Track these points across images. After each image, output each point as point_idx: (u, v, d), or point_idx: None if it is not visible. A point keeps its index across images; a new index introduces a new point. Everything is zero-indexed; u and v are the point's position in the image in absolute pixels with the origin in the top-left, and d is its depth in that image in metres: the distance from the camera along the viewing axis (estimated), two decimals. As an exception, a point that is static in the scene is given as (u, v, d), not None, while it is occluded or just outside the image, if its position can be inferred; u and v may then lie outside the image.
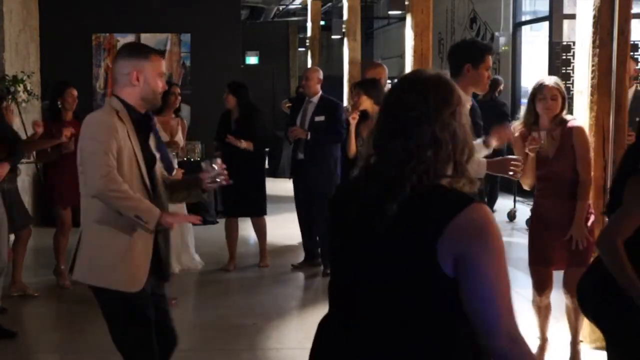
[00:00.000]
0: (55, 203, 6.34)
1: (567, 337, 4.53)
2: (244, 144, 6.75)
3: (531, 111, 4.34)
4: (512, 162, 3.97)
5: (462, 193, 1.83)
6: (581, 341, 4.56)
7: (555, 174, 4.28)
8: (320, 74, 7.04)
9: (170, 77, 10.45)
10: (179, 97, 6.89)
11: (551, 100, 4.26)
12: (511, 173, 3.97)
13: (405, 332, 1.82)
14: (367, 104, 6.05)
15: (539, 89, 4.30)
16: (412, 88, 1.88)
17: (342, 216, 1.97)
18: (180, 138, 6.92)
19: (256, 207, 7.05)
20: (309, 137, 6.72)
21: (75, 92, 6.44)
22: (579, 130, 4.31)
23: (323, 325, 2.03)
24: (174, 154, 6.99)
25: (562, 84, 4.38)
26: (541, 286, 4.42)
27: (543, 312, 4.50)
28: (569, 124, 4.29)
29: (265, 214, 7.11)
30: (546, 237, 4.34)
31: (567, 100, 4.37)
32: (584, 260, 4.28)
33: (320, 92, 6.94)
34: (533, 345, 4.56)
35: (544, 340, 4.54)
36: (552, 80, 4.35)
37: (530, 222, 4.55)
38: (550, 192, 4.33)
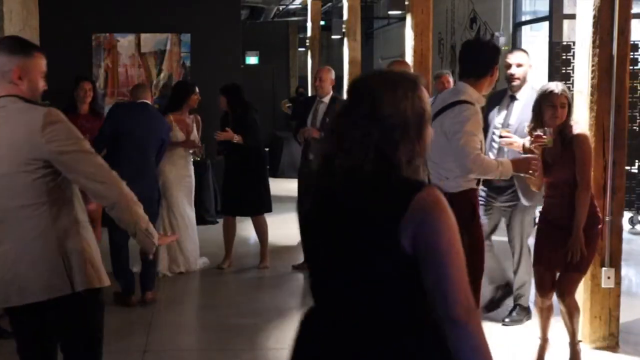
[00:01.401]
0: None
1: (567, 337, 4.53)
2: (236, 138, 6.76)
3: (537, 116, 4.29)
4: (533, 161, 4.08)
5: (416, 179, 1.95)
6: (580, 341, 4.56)
7: (560, 180, 4.27)
8: (333, 74, 7.05)
9: (171, 76, 10.45)
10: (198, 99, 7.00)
11: (560, 108, 4.22)
12: (531, 172, 4.10)
13: (384, 320, 1.91)
14: None
15: (547, 96, 4.22)
16: (362, 89, 1.99)
17: (312, 215, 2.05)
18: (195, 136, 6.95)
19: (254, 206, 7.03)
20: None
21: (87, 86, 6.46)
22: (581, 138, 4.25)
23: (305, 321, 2.08)
24: (191, 152, 7.02)
25: (567, 91, 4.31)
26: (543, 287, 4.41)
27: (545, 313, 4.49)
28: (573, 131, 4.24)
29: (261, 212, 7.07)
30: (551, 239, 4.32)
31: (572, 107, 4.33)
32: (581, 267, 4.28)
33: (332, 93, 6.95)
34: (534, 345, 4.57)
35: (544, 340, 4.54)
36: (559, 88, 4.25)
37: (538, 224, 4.55)
38: (557, 197, 4.32)
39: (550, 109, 4.21)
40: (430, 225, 1.85)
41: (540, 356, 4.52)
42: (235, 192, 6.92)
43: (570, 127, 4.26)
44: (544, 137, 4.23)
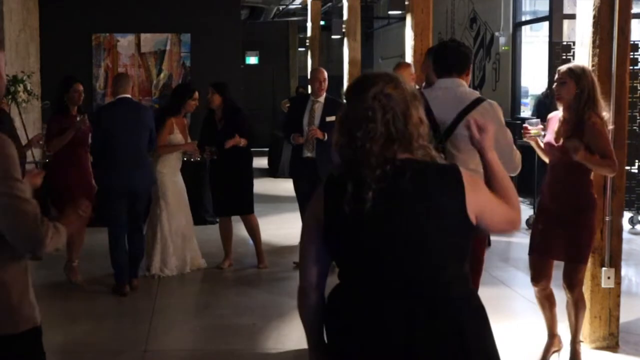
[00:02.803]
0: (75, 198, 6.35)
1: (568, 336, 4.53)
2: (242, 142, 6.76)
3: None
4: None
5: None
6: (581, 341, 4.56)
7: (559, 162, 4.28)
8: (325, 74, 7.08)
9: (171, 76, 10.45)
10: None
11: (559, 85, 4.23)
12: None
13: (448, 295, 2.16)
14: None
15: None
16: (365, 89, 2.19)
17: (346, 209, 2.14)
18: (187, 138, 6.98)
19: (244, 205, 7.02)
20: (326, 137, 6.64)
21: (80, 87, 6.46)
22: (592, 120, 4.15)
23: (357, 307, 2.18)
24: (189, 153, 7.05)
25: (576, 70, 4.23)
26: (536, 274, 4.42)
27: (546, 304, 4.47)
28: (590, 117, 4.16)
29: (251, 212, 7.07)
30: (546, 226, 4.35)
31: (588, 90, 4.17)
32: (582, 257, 4.30)
33: (325, 93, 6.96)
34: (540, 343, 4.55)
35: (551, 336, 4.51)
36: (566, 67, 4.27)
37: (535, 212, 4.59)
38: (553, 183, 4.34)
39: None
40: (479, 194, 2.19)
41: (545, 354, 4.51)
42: (226, 192, 6.91)
43: (586, 112, 4.16)
44: (530, 128, 4.41)
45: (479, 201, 2.16)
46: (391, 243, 2.13)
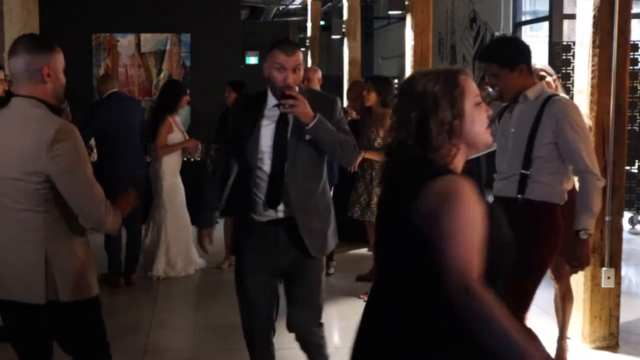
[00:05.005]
0: None
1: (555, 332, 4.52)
2: None
3: None
4: None
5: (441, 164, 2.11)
6: (569, 338, 4.55)
7: None
8: (320, 74, 7.03)
9: (171, 76, 10.45)
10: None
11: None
12: None
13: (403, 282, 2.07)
14: (373, 100, 6.02)
15: None
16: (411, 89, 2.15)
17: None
18: (185, 135, 6.98)
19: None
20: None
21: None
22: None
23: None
24: (190, 152, 7.07)
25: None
26: (556, 269, 4.36)
27: (560, 303, 4.49)
28: None
29: None
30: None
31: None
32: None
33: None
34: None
35: (562, 338, 4.50)
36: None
37: None
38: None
39: None
40: (439, 216, 1.94)
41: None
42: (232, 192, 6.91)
43: None
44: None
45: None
46: None
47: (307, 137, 3.33)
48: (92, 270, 3.00)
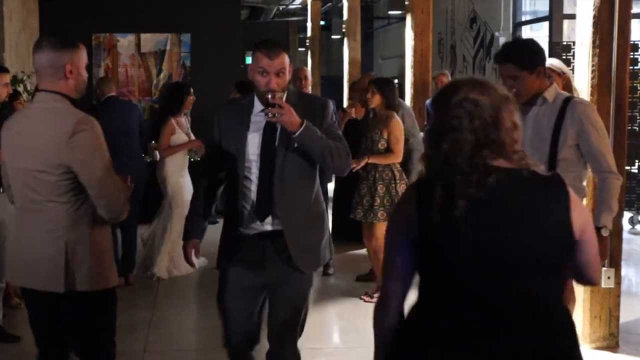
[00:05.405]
0: None
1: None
2: None
3: None
4: None
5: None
6: None
7: None
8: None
9: (171, 76, 10.45)
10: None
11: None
12: None
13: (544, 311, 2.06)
14: (377, 102, 6.01)
15: None
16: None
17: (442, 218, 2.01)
18: (191, 135, 6.98)
19: None
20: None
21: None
22: None
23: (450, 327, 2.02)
24: (193, 152, 7.07)
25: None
26: None
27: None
28: None
29: None
30: None
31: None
32: None
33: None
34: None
35: None
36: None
37: None
38: None
39: None
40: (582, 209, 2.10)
41: None
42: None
43: None
44: None
45: (581, 218, 2.04)
46: (487, 254, 1.98)
47: (296, 144, 3.09)
48: (111, 261, 3.11)
